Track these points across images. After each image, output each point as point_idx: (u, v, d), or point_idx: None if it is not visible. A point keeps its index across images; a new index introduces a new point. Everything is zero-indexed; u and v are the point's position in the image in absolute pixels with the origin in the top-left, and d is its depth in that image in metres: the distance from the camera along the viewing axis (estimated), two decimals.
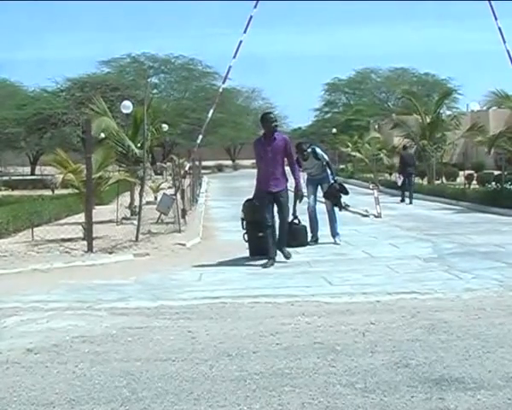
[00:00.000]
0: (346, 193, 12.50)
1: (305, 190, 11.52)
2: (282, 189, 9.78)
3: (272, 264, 9.49)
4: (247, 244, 10.58)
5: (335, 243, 11.92)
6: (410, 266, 9.51)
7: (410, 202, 22.03)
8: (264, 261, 9.54)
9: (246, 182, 39.69)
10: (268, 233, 9.69)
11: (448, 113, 33.03)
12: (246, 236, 10.54)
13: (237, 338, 5.87)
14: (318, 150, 12.34)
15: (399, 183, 23.41)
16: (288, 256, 9.85)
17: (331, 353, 5.38)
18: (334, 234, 12.10)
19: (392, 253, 10.92)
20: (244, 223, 10.60)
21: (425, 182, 29.19)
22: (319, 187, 12.27)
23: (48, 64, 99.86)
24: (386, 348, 5.48)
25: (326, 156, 12.52)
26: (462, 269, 9.10)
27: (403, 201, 22.52)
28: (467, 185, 26.36)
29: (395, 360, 5.16)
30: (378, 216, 17.20)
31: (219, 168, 64.39)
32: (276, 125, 10.02)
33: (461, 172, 31.40)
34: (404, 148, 25.92)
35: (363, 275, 8.90)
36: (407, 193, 22.66)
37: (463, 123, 30.03)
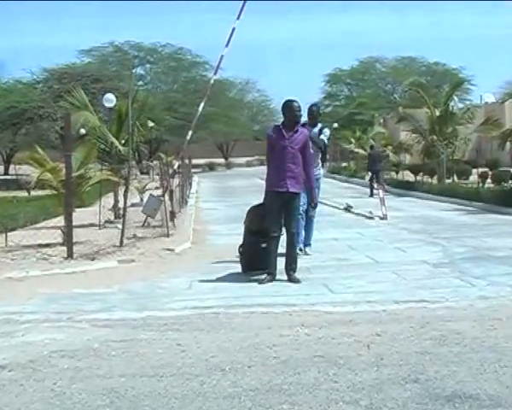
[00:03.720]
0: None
1: None
2: (295, 190, 9.05)
3: (271, 280, 8.95)
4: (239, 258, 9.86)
5: (306, 253, 11.13)
6: (419, 272, 9.52)
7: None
8: (263, 276, 9.05)
9: (240, 181, 39.93)
10: (273, 244, 9.06)
11: (460, 105, 33.06)
12: (241, 247, 9.79)
13: (231, 351, 5.87)
14: (326, 129, 11.75)
15: (367, 179, 27.84)
16: (297, 282, 8.92)
17: (333, 367, 5.38)
18: (309, 243, 11.42)
19: (398, 258, 10.93)
20: (245, 232, 9.84)
21: (435, 181, 29.26)
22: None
23: (22, 53, 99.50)
24: (393, 362, 5.48)
25: (326, 139, 11.69)
26: (475, 275, 9.11)
27: (372, 196, 25.59)
28: (480, 184, 26.44)
29: (403, 375, 5.16)
30: (384, 218, 17.22)
31: (211, 167, 64.46)
32: (301, 115, 9.39)
33: (474, 170, 31.50)
34: (372, 147, 31.09)
35: (368, 282, 8.90)
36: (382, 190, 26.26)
37: (477, 116, 30.07)
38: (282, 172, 9.09)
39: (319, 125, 11.64)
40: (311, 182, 9.52)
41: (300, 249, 10.83)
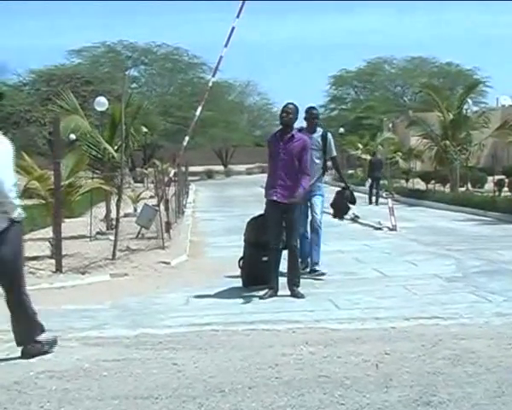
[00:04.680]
0: (354, 202, 11.51)
1: None
2: (286, 201, 9.00)
3: (272, 295, 8.97)
4: (238, 272, 9.96)
5: (321, 274, 10.38)
6: (430, 287, 9.51)
7: (376, 204, 26.94)
8: (264, 291, 9.06)
9: (240, 190, 39.95)
10: (272, 258, 9.11)
11: (474, 109, 33.06)
12: (242, 261, 9.86)
13: (230, 371, 5.86)
14: (330, 137, 10.96)
15: (367, 185, 29.73)
16: (300, 298, 8.95)
17: (339, 388, 5.37)
18: (318, 260, 10.58)
19: (409, 271, 10.93)
20: (245, 245, 9.88)
21: (447, 189, 29.27)
22: (310, 202, 10.56)
23: (8, 53, 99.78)
24: (404, 383, 5.47)
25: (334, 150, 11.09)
26: (491, 290, 9.10)
27: (371, 203, 27.42)
28: (496, 193, 26.43)
29: (414, 397, 5.15)
30: (393, 229, 17.23)
31: (209, 175, 64.54)
32: (285, 118, 9.11)
33: (489, 178, 31.46)
34: (373, 154, 33.18)
35: (376, 297, 8.89)
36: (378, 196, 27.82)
37: (492, 120, 30.07)
38: (273, 180, 9.16)
39: (319, 129, 10.88)
40: (304, 184, 9.12)
41: (305, 267, 10.47)
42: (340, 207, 11.35)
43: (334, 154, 11.12)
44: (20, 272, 6.42)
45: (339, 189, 11.45)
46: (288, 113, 9.17)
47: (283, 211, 9.07)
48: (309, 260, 10.67)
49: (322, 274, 10.32)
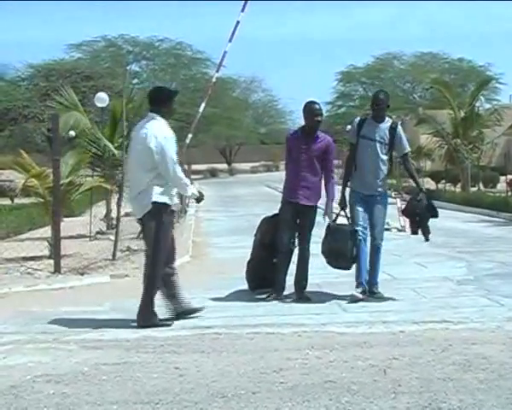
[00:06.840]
0: (435, 213, 9.32)
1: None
2: (310, 204, 9.04)
3: (276, 298, 8.97)
4: (242, 274, 9.81)
5: (377, 294, 9.18)
6: (441, 290, 9.51)
7: None
8: (268, 293, 9.09)
9: (244, 190, 39.97)
10: (282, 259, 9.13)
11: (487, 106, 33.05)
12: (250, 263, 9.69)
13: (234, 376, 5.86)
14: (401, 129, 9.38)
15: None
16: (307, 300, 8.94)
17: (346, 393, 5.37)
18: (376, 281, 9.35)
19: (418, 274, 10.93)
20: (256, 246, 9.71)
21: (458, 189, 29.23)
22: (369, 211, 9.24)
23: (5, 47, 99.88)
24: (413, 389, 5.46)
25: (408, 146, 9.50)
26: (503, 294, 9.08)
27: None
28: (509, 193, 26.38)
29: (423, 404, 5.14)
30: (402, 230, 17.19)
31: (212, 173, 64.51)
32: (320, 121, 9.11)
33: (502, 178, 31.40)
34: None
35: (384, 300, 8.90)
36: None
37: (505, 118, 30.01)
38: (296, 181, 9.14)
39: (388, 119, 9.34)
40: (331, 192, 9.20)
41: (364, 292, 8.98)
42: (415, 216, 9.49)
43: (408, 150, 9.45)
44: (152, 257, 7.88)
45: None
46: (320, 115, 9.16)
47: (300, 213, 9.08)
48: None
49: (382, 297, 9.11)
